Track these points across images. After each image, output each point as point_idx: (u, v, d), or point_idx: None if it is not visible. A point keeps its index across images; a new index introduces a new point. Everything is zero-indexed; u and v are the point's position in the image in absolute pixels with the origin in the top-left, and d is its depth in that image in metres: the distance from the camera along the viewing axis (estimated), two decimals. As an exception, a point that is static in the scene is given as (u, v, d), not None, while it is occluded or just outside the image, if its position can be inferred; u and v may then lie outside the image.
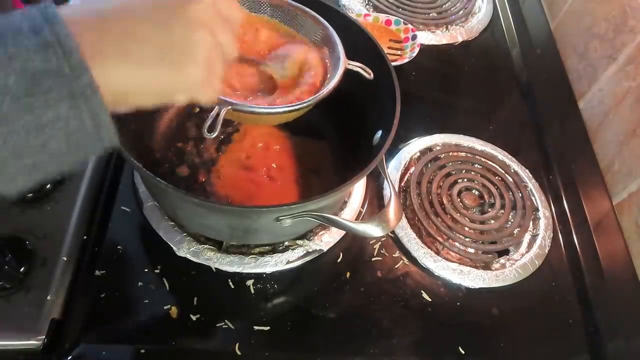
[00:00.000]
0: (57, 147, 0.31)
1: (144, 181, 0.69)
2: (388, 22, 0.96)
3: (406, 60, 0.89)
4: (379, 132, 0.63)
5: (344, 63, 0.56)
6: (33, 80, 0.29)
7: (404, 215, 0.73)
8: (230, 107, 0.48)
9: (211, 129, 0.47)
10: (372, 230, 0.55)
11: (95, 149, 0.34)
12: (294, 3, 0.59)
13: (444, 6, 1.05)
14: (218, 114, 0.48)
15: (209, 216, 0.60)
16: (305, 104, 0.53)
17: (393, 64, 0.62)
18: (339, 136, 0.76)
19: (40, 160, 0.31)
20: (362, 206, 0.74)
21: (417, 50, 0.91)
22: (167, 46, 0.35)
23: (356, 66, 0.58)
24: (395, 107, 0.58)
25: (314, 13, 0.59)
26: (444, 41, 1.00)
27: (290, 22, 0.60)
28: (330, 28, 0.58)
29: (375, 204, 0.76)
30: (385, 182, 0.72)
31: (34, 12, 0.30)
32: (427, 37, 0.99)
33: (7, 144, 0.29)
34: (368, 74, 0.59)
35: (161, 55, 0.35)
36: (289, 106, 0.52)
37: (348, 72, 0.56)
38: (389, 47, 0.94)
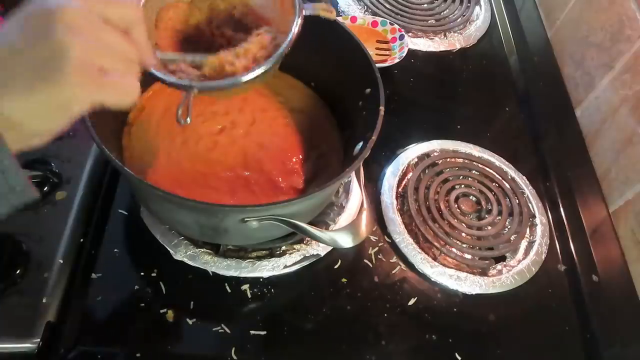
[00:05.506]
0: None
1: (121, 176, 0.67)
2: (374, 24, 0.96)
3: (397, 61, 0.88)
4: (361, 143, 0.62)
5: (301, 10, 0.51)
6: None
7: (401, 220, 0.73)
8: (196, 91, 0.47)
9: (184, 115, 0.46)
10: (342, 240, 0.54)
11: (12, 201, 0.31)
12: None
13: (442, 13, 1.06)
14: (188, 100, 0.46)
15: (178, 211, 0.58)
16: (270, 64, 0.48)
17: (384, 64, 0.61)
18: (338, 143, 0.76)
19: None
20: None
21: (406, 50, 0.90)
22: (36, 62, 0.32)
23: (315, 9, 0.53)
24: (377, 113, 0.57)
25: None
26: (442, 48, 1.00)
27: None
28: None
29: (373, 208, 0.76)
30: (360, 192, 0.69)
31: None
32: (425, 44, 0.99)
33: None
34: (329, 12, 0.54)
35: (34, 73, 0.32)
36: (251, 72, 0.48)
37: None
38: (376, 49, 0.93)
